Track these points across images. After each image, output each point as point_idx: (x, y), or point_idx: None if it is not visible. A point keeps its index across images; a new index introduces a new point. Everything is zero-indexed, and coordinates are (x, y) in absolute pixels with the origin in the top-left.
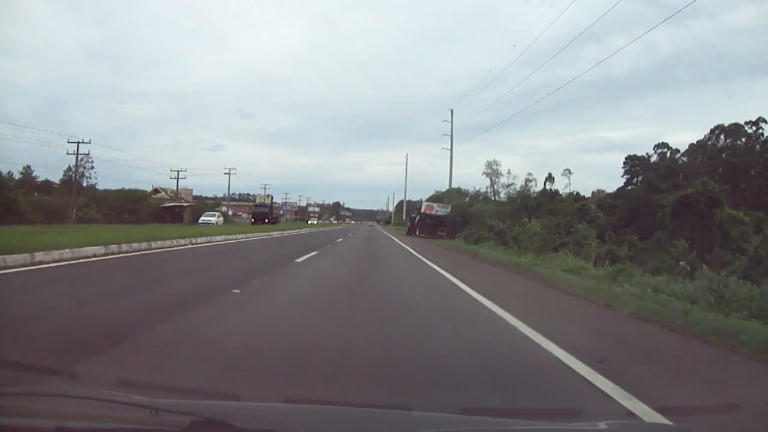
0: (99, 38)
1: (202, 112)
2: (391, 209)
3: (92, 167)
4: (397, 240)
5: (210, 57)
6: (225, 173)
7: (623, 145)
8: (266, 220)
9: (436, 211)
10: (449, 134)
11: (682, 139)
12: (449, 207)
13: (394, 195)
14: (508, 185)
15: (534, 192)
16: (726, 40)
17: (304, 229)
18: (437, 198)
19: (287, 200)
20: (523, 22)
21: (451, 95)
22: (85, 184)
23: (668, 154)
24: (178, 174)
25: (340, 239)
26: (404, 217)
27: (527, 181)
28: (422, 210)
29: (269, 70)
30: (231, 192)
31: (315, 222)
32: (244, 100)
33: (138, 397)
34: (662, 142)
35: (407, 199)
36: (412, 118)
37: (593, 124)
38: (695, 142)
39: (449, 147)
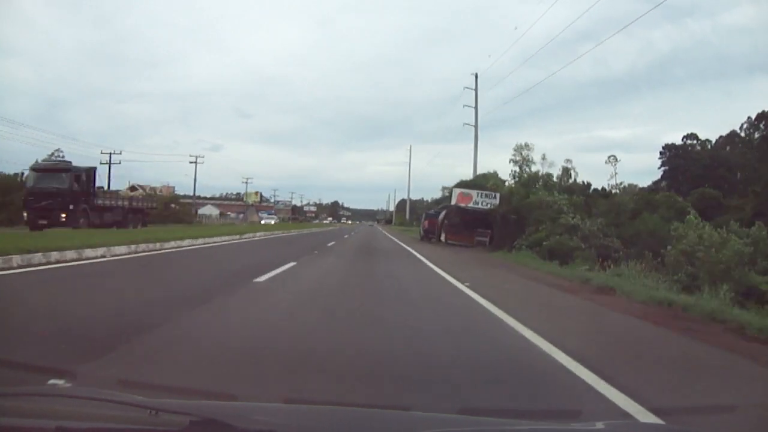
0: (98, 39)
1: (201, 113)
2: (391, 208)
3: None
4: (418, 255)
5: (209, 57)
6: (191, 162)
7: (622, 144)
8: (63, 216)
9: (476, 202)
10: (472, 105)
11: (679, 138)
12: (497, 196)
13: (395, 193)
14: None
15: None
16: (724, 39)
17: (246, 236)
18: (471, 186)
19: (277, 197)
20: (522, 22)
21: (450, 95)
22: None
23: (697, 146)
24: (110, 158)
25: (292, 264)
26: (407, 216)
27: (565, 169)
28: (452, 202)
29: (268, 70)
30: (226, 192)
31: (273, 221)
32: (243, 101)
33: (137, 397)
34: (691, 133)
35: (407, 198)
36: (411, 118)
37: (592, 123)
38: (729, 132)
39: (472, 123)
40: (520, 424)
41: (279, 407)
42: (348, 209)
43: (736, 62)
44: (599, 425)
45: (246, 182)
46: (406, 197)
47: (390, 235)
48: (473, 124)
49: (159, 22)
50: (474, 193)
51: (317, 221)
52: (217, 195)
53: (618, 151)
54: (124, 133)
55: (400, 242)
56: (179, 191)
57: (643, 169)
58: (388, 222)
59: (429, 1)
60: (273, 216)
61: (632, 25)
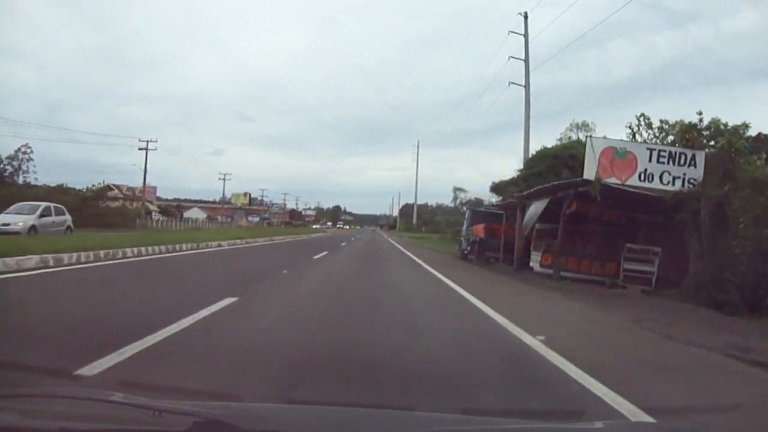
0: (98, 41)
1: (202, 116)
2: (394, 213)
3: (30, 159)
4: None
5: (210, 61)
6: (141, 148)
7: None
8: None
9: (647, 176)
10: (522, 57)
11: None
12: (697, 161)
13: (399, 196)
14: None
15: None
16: (727, 44)
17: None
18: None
19: (265, 198)
20: (522, 26)
21: (450, 99)
22: (21, 179)
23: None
24: None
25: None
26: (414, 220)
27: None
28: (587, 174)
29: (269, 74)
30: (222, 196)
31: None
32: (245, 104)
33: (140, 399)
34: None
35: (413, 203)
36: (412, 123)
37: (594, 129)
38: None
39: (517, 83)
40: (522, 424)
41: (282, 408)
42: (350, 214)
43: (738, 68)
44: (598, 425)
45: (224, 178)
46: (409, 202)
47: (403, 249)
48: (522, 83)
49: (158, 24)
50: (641, 150)
51: (315, 226)
52: (217, 199)
53: None
54: (126, 136)
55: (432, 269)
56: (168, 194)
57: None
58: (392, 227)
59: (430, 4)
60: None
61: (636, 30)
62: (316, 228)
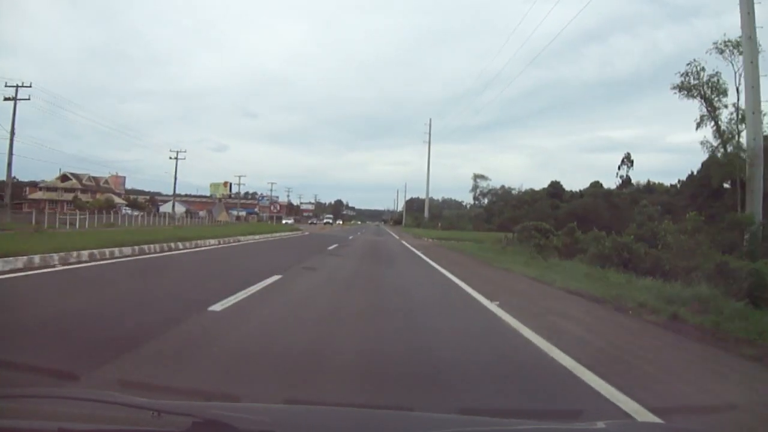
0: (100, 38)
1: (205, 112)
2: (399, 208)
3: None
4: None
5: (212, 56)
6: (6, 98)
7: (626, 145)
8: None
9: None
10: None
11: (685, 138)
12: None
13: (405, 189)
14: None
15: None
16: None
17: None
18: None
19: (243, 187)
20: (525, 22)
21: (452, 95)
22: None
23: None
24: None
25: None
26: (426, 213)
27: None
28: None
29: (272, 70)
30: (174, 180)
31: None
32: (247, 100)
33: (139, 399)
34: None
35: (417, 197)
36: (415, 119)
37: (596, 124)
38: None
39: None
40: (522, 424)
41: (280, 408)
42: (353, 209)
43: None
44: (600, 425)
45: (176, 157)
46: (414, 197)
47: (437, 266)
48: None
49: (161, 21)
50: None
51: (287, 221)
52: (200, 193)
53: (621, 151)
54: (126, 132)
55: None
56: (143, 186)
57: (649, 169)
58: (397, 222)
59: (431, 1)
60: None
61: (638, 25)
62: (287, 224)
